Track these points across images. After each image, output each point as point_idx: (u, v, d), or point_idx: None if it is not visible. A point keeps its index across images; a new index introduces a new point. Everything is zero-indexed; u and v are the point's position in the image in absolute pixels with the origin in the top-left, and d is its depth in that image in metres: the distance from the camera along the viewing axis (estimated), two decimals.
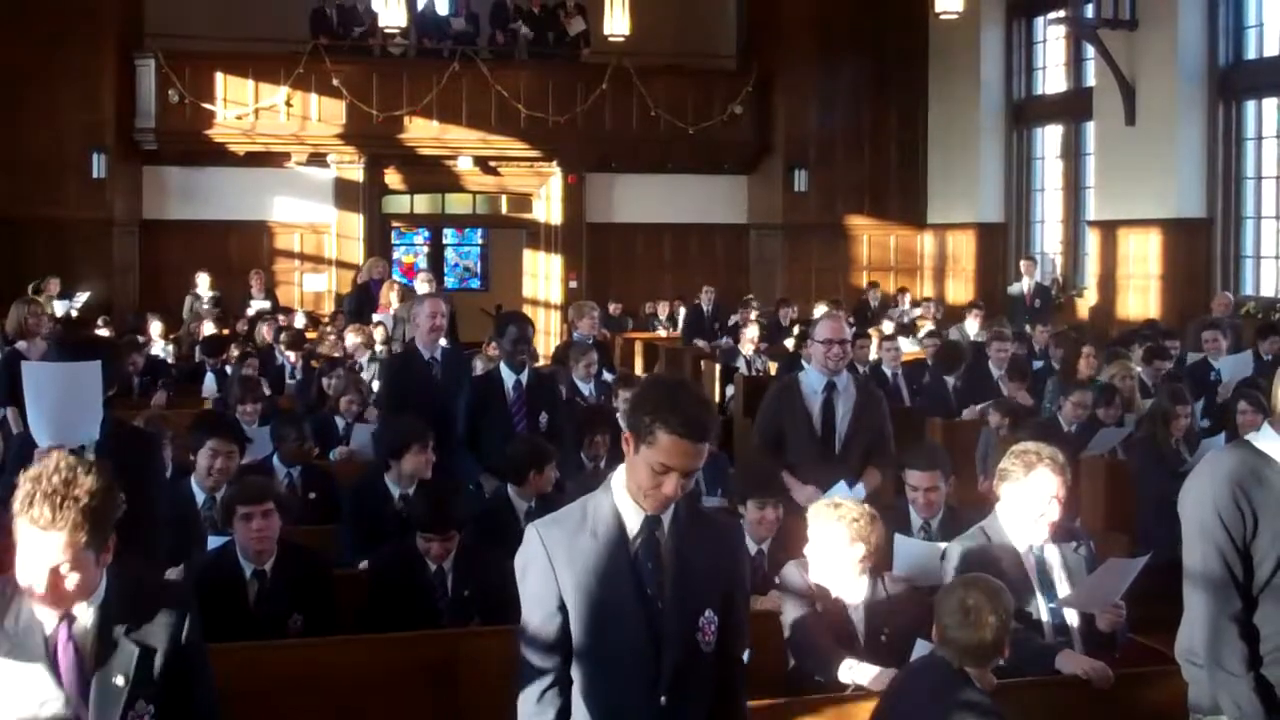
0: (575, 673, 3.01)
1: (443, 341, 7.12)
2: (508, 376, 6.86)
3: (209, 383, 10.78)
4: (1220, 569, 3.31)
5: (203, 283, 15.69)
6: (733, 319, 16.13)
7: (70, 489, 2.80)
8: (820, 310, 11.15)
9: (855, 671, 4.17)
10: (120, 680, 2.92)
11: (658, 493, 2.94)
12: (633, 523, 3.01)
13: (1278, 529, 3.28)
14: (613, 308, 17.39)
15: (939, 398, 10.05)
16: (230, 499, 5.07)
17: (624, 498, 3.02)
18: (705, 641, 3.02)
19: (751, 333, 13.25)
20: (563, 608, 2.97)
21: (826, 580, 4.40)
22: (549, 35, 18.49)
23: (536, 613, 3.00)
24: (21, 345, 8.14)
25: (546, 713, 3.00)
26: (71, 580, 2.85)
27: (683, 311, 16.81)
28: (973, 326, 13.51)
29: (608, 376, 9.79)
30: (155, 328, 13.01)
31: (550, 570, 2.98)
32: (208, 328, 13.41)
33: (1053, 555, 4.44)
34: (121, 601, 2.98)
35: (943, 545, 5.01)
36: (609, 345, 12.90)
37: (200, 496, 5.89)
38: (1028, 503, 4.36)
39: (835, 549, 4.34)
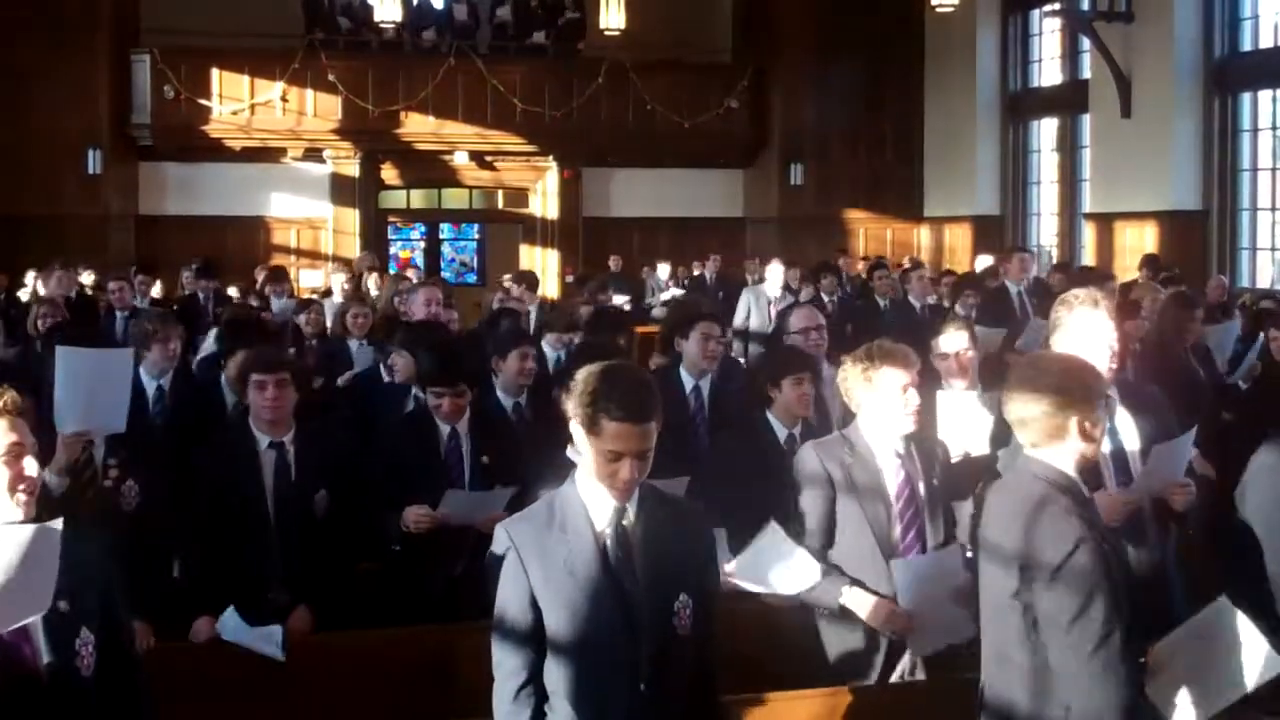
0: (554, 667, 3.01)
1: None
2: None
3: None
4: None
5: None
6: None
7: None
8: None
9: (852, 597, 4.12)
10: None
11: (616, 479, 2.95)
12: (600, 514, 3.02)
13: None
14: (612, 260, 16.84)
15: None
16: (244, 368, 4.85)
17: (589, 489, 3.03)
18: (681, 626, 3.03)
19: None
20: (535, 605, 2.98)
21: (873, 439, 4.23)
22: (544, 32, 18.52)
23: (509, 611, 3.01)
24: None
25: (523, 711, 3.01)
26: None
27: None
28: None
29: None
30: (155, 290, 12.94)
31: (520, 567, 2.99)
32: None
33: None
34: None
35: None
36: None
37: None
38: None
39: (889, 398, 4.17)
